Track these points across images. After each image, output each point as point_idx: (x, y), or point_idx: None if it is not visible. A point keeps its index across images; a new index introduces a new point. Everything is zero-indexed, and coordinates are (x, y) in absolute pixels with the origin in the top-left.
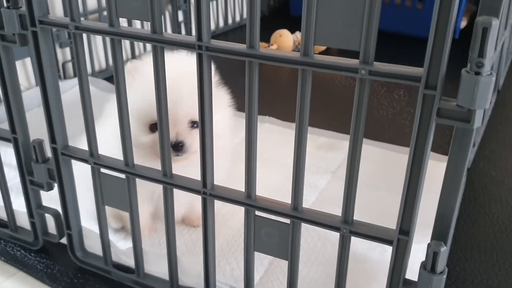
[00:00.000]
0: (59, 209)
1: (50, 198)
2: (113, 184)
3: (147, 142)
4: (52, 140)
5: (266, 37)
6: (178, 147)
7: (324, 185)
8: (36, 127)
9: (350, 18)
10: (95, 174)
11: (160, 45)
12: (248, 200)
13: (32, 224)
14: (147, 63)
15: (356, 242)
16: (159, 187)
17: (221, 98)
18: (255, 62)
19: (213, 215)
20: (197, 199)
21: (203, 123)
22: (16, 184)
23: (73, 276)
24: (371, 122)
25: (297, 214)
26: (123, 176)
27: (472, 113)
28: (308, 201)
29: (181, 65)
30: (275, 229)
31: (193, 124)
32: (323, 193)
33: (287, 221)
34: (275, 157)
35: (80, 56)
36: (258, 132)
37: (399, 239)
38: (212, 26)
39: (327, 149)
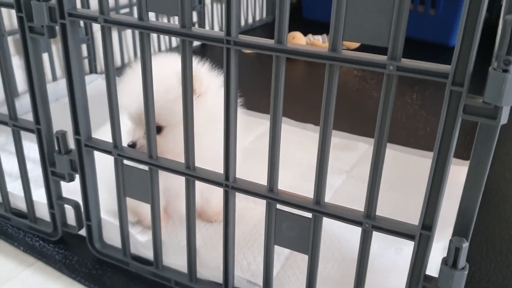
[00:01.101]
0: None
1: (67, 190)
2: (135, 176)
3: None
4: (76, 131)
5: None
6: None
7: (339, 184)
8: (54, 121)
9: (379, 14)
10: (118, 166)
11: (188, 39)
12: (270, 193)
13: (52, 215)
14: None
15: (371, 241)
16: (173, 182)
17: (213, 82)
18: (282, 56)
19: (234, 208)
20: (214, 194)
21: (228, 119)
22: (33, 176)
23: (92, 267)
24: None
25: (319, 208)
26: (146, 168)
27: (499, 110)
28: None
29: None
30: (296, 223)
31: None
32: (338, 192)
33: (308, 215)
34: (290, 156)
35: (108, 49)
36: None
37: (421, 234)
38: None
39: (342, 150)
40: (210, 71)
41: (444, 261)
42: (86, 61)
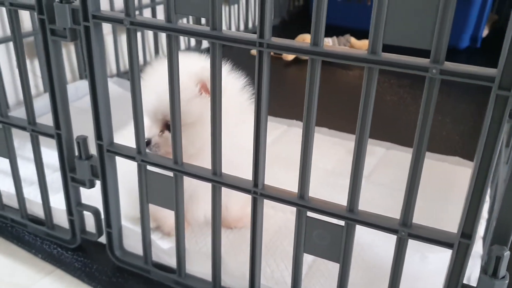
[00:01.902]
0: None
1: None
2: (159, 182)
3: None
4: (98, 136)
5: None
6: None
7: None
8: None
9: (422, 16)
10: (142, 172)
11: (219, 42)
12: (300, 200)
13: (71, 221)
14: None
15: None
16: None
17: (231, 83)
18: (318, 59)
19: (262, 216)
20: (233, 200)
21: (259, 124)
22: (48, 181)
23: (112, 275)
24: (401, 128)
25: (352, 216)
26: (170, 173)
27: None
28: None
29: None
30: (327, 231)
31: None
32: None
33: (340, 223)
34: None
35: (133, 52)
36: (287, 136)
37: (460, 243)
38: (233, 29)
39: None
40: (230, 73)
41: (484, 270)
42: None
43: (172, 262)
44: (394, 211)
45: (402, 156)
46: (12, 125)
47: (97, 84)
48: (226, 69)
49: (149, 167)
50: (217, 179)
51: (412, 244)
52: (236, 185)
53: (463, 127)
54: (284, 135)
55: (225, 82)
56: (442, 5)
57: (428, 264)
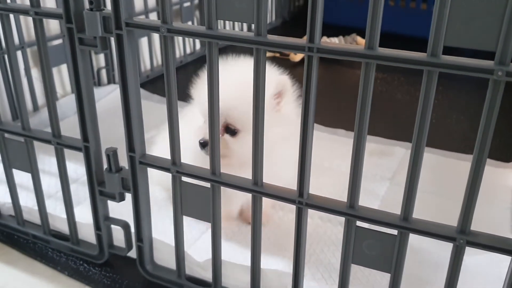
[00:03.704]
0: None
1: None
2: (195, 193)
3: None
4: (130, 148)
5: None
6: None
7: (384, 192)
8: (76, 134)
9: (488, 17)
10: (176, 183)
11: (263, 48)
12: (350, 210)
13: (98, 236)
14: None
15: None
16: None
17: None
18: (372, 63)
19: (306, 226)
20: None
21: (306, 132)
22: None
23: None
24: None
25: (407, 224)
26: (207, 184)
27: None
28: None
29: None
30: (379, 241)
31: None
32: (384, 201)
33: (393, 232)
34: (327, 164)
35: (170, 61)
36: None
37: None
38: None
39: (379, 156)
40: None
41: None
42: (104, 71)
43: (207, 275)
44: (424, 214)
45: (425, 155)
46: (36, 138)
47: (130, 95)
48: (287, 79)
49: (184, 178)
50: (258, 189)
51: (447, 246)
52: (279, 195)
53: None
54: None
55: (288, 91)
56: (510, 4)
57: (466, 267)
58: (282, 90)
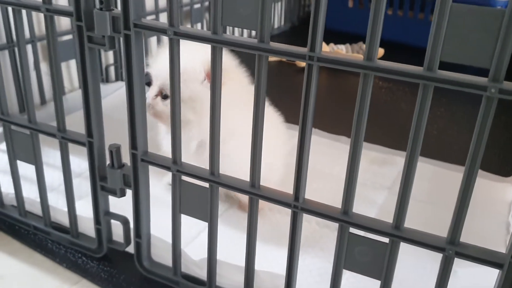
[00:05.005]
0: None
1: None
2: (194, 193)
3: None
4: (133, 145)
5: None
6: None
7: (382, 201)
8: (80, 128)
9: (483, 34)
10: (176, 182)
11: (266, 55)
12: (344, 216)
13: (98, 230)
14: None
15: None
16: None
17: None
18: (371, 74)
19: (301, 230)
20: None
21: (304, 138)
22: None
23: (140, 286)
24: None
25: (398, 233)
26: (205, 184)
27: None
28: None
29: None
30: (370, 248)
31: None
32: (382, 209)
33: (384, 240)
34: (328, 170)
35: (175, 62)
36: None
37: (511, 263)
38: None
39: (380, 164)
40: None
41: None
42: (112, 68)
43: (202, 274)
44: (419, 223)
45: (423, 166)
46: (41, 131)
47: (135, 94)
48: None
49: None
50: (255, 192)
51: (439, 257)
52: (275, 198)
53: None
54: None
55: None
56: (506, 22)
57: (458, 279)
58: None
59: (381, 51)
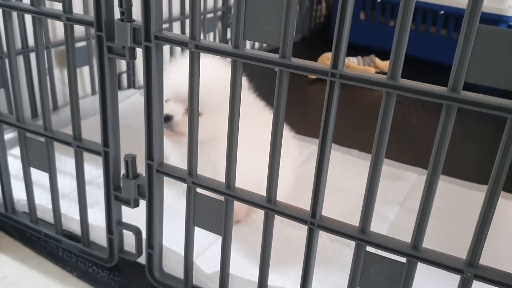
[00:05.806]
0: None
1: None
2: (208, 206)
3: None
4: (149, 156)
5: (309, 59)
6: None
7: (394, 216)
8: (92, 136)
9: (509, 57)
10: (191, 194)
11: (287, 70)
12: (361, 235)
13: (109, 240)
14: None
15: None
16: None
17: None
18: (394, 93)
19: (316, 248)
20: None
21: (323, 155)
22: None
23: None
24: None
25: (416, 253)
26: (221, 198)
27: None
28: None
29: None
30: (387, 267)
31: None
32: (393, 225)
33: (401, 259)
34: (339, 183)
35: (195, 75)
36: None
37: None
38: (247, 46)
39: (391, 179)
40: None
41: None
42: (124, 76)
43: (213, 287)
44: (431, 241)
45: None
46: (57, 139)
47: (153, 105)
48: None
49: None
50: (271, 207)
51: (445, 274)
52: (292, 214)
53: None
54: (314, 155)
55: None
56: None
57: None
58: None
59: (383, 64)
